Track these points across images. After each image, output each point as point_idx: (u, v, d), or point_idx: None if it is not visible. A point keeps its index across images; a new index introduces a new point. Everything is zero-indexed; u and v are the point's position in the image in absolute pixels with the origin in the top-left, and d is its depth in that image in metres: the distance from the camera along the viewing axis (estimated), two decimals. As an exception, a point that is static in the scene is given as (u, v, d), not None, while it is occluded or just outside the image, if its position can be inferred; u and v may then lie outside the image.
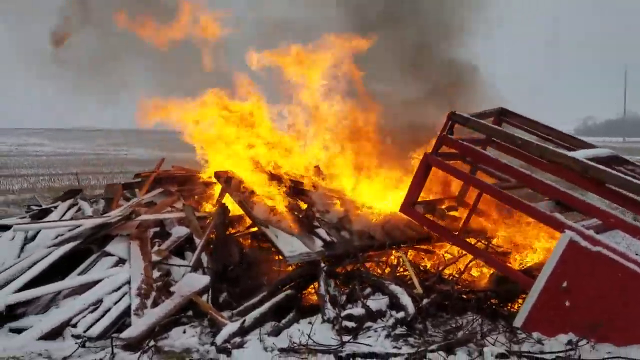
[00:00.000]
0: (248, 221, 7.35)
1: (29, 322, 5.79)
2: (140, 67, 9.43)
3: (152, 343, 5.31)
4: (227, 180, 7.40)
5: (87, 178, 21.98)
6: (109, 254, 6.69)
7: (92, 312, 5.82)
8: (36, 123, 71.55)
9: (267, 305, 5.88)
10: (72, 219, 7.61)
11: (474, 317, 6.05)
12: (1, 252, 7.23)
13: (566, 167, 5.60)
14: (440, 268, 6.84)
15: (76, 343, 5.37)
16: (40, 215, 8.50)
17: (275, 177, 7.54)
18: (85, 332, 5.56)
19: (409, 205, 6.66)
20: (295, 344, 5.32)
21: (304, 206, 7.14)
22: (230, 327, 5.46)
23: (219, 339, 5.34)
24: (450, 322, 6.09)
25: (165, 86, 9.23)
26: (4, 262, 6.87)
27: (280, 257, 6.45)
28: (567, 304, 5.48)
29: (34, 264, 6.34)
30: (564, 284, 5.49)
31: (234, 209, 7.40)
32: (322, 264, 6.28)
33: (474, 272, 7.15)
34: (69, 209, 8.12)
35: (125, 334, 5.36)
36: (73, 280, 6.19)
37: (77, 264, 6.65)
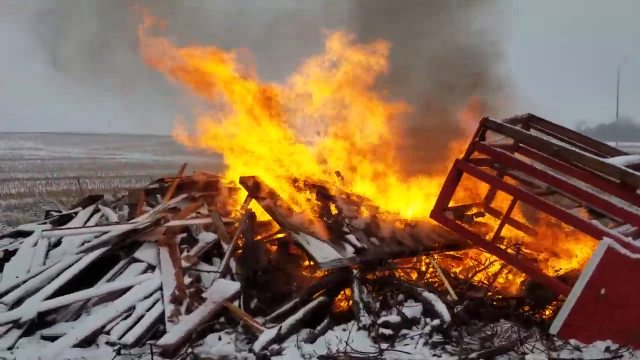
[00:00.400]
0: (275, 227, 7.31)
1: (60, 329, 5.72)
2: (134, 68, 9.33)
3: (189, 350, 5.25)
4: (254, 186, 7.36)
5: (85, 182, 21.89)
6: (137, 260, 6.63)
7: (124, 319, 5.76)
8: (30, 127, 71.67)
9: (301, 312, 5.82)
10: (96, 225, 7.54)
11: (510, 324, 6.04)
12: (25, 258, 7.18)
13: (603, 173, 5.60)
14: (469, 275, 6.82)
15: (114, 350, 5.31)
16: (62, 221, 8.45)
17: (299, 183, 7.51)
18: (119, 339, 5.49)
19: (439, 211, 6.64)
20: (333, 352, 5.28)
21: (333, 212, 7.11)
22: (268, 334, 5.41)
23: (257, 347, 5.28)
24: (484, 329, 6.07)
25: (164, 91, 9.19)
26: (29, 268, 6.84)
27: (311, 263, 6.41)
28: (606, 311, 5.47)
29: (63, 270, 6.27)
30: (602, 291, 5.47)
31: (261, 214, 7.36)
32: (354, 271, 6.25)
33: (500, 279, 7.13)
34: (92, 215, 8.06)
35: (163, 341, 5.30)
36: (104, 287, 6.13)
37: (105, 270, 6.60)
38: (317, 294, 6.28)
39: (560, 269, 6.56)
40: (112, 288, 6.09)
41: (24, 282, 6.32)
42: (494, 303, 6.41)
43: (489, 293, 6.51)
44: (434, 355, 5.33)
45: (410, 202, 8.03)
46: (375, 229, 7.05)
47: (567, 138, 7.02)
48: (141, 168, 26.17)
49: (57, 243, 7.52)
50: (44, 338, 5.65)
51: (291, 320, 5.70)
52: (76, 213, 8.55)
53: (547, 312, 6.41)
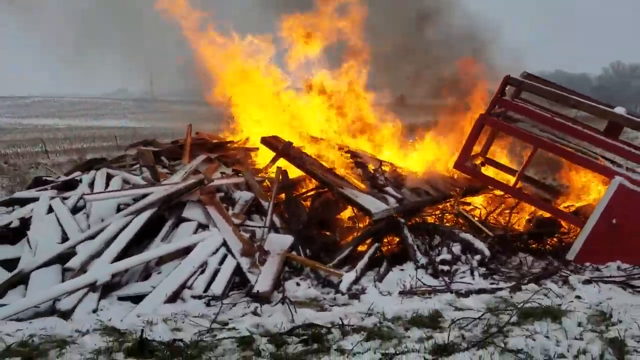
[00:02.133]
0: (308, 184, 7.62)
1: (136, 289, 5.69)
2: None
3: (282, 295, 5.54)
4: (285, 146, 7.57)
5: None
6: (186, 220, 6.65)
7: (200, 274, 5.87)
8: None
9: (366, 257, 6.29)
10: (138, 187, 7.26)
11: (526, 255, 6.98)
12: (49, 224, 6.91)
13: (614, 119, 6.62)
14: (487, 216, 7.66)
15: (204, 302, 5.45)
16: (67, 186, 8.06)
17: (324, 142, 7.85)
18: (205, 292, 5.62)
19: (463, 162, 7.36)
20: (407, 288, 5.85)
21: (370, 168, 7.56)
22: (349, 277, 5.84)
23: (344, 287, 5.70)
24: (509, 260, 6.95)
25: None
26: (63, 234, 6.62)
27: (361, 213, 6.86)
28: (616, 238, 6.54)
29: (118, 233, 6.16)
30: (614, 221, 6.53)
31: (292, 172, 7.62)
32: (401, 219, 6.80)
33: (506, 219, 8.05)
34: (108, 179, 7.74)
35: (259, 288, 5.52)
36: (171, 245, 6.12)
37: (151, 231, 6.55)
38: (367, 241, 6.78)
39: (571, 205, 7.61)
40: (179, 246, 6.10)
41: (70, 247, 6.15)
42: (513, 238, 7.28)
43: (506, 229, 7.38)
44: (492, 283, 6.09)
45: (416, 156, 8.68)
46: (402, 182, 7.62)
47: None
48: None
49: (77, 208, 7.30)
50: (121, 299, 5.61)
51: (361, 264, 6.15)
52: (80, 178, 8.18)
53: (551, 243, 7.41)
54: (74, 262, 5.72)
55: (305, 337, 4.48)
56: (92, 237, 6.21)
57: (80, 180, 8.13)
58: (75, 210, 7.27)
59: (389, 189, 7.17)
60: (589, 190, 7.59)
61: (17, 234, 7.06)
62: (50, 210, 7.33)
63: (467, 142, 7.33)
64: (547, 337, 4.35)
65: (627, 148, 6.88)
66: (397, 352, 4.05)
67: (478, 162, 8.06)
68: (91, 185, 7.87)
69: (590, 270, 6.46)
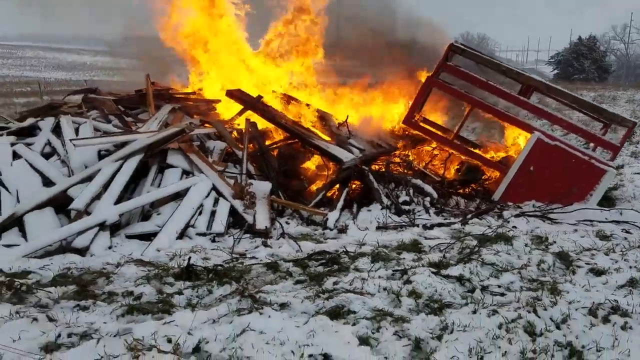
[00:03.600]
0: (274, 136, 8.11)
1: (141, 228, 5.93)
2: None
3: (280, 231, 6.14)
4: (257, 99, 7.94)
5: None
6: (171, 166, 6.88)
7: (199, 215, 6.23)
8: None
9: (342, 199, 7.04)
10: (122, 134, 7.21)
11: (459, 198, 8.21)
12: (23, 169, 6.77)
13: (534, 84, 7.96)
14: (425, 166, 8.75)
15: (209, 239, 5.88)
16: (24, 131, 7.77)
17: (287, 96, 8.35)
18: (208, 230, 6.04)
19: (410, 118, 8.32)
20: (381, 223, 6.73)
21: (335, 122, 8.20)
22: (333, 215, 6.57)
23: (331, 224, 6.43)
24: (447, 202, 8.11)
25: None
26: (43, 179, 6.55)
27: (332, 162, 7.54)
28: (532, 181, 7.94)
29: (112, 177, 6.27)
30: (532, 168, 7.91)
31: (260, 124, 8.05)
32: (365, 167, 7.61)
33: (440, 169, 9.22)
34: (82, 127, 7.57)
35: (260, 226, 6.05)
36: (168, 188, 6.33)
37: (135, 176, 6.70)
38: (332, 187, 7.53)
39: (493, 156, 8.92)
40: (176, 189, 6.36)
41: (62, 190, 6.17)
42: (448, 184, 8.46)
43: (443, 177, 8.54)
44: (445, 219, 7.17)
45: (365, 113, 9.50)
46: (357, 136, 8.41)
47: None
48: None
49: (44, 154, 7.18)
50: (129, 237, 5.84)
51: (339, 205, 6.90)
52: (36, 125, 7.90)
53: (474, 187, 8.71)
54: (78, 203, 5.78)
55: (322, 261, 5.17)
56: (83, 181, 6.24)
57: (39, 127, 7.86)
58: (43, 156, 7.14)
59: (351, 140, 7.93)
60: (512, 144, 8.99)
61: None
62: (15, 156, 7.12)
63: (415, 101, 8.29)
64: (509, 254, 5.46)
65: (541, 107, 8.30)
66: (405, 268, 4.89)
67: (417, 119, 9.07)
68: (54, 131, 7.67)
69: (513, 207, 7.80)
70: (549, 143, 7.81)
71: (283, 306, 4.01)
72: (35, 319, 3.52)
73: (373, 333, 3.62)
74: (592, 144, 9.07)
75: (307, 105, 8.52)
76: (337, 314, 3.88)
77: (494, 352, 3.39)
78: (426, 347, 3.48)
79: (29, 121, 8.03)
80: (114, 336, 3.36)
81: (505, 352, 3.39)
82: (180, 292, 4.31)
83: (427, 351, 3.43)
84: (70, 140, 6.63)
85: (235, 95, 8.15)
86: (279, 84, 9.09)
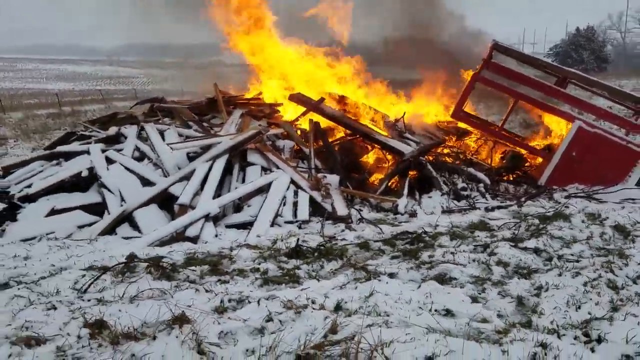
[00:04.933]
0: (335, 133, 8.67)
1: (237, 219, 6.52)
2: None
3: (358, 217, 6.69)
4: (319, 102, 8.51)
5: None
6: (252, 164, 7.47)
7: (283, 205, 6.80)
8: None
9: (406, 187, 7.58)
10: (208, 137, 7.81)
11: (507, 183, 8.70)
12: (121, 172, 7.39)
13: (574, 78, 8.43)
14: (472, 155, 9.26)
15: (297, 225, 6.44)
16: (111, 139, 8.42)
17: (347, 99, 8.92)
18: (294, 218, 6.61)
19: (459, 111, 8.83)
20: (444, 208, 7.25)
21: (391, 118, 8.75)
22: (402, 202, 7.11)
23: (401, 209, 6.97)
24: (496, 188, 8.60)
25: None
26: (142, 180, 7.17)
27: (392, 155, 8.08)
28: (575, 166, 8.41)
29: (206, 175, 6.87)
30: (574, 154, 8.39)
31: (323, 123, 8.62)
32: (422, 158, 8.14)
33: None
34: (164, 133, 8.20)
35: (340, 212, 6.61)
36: (255, 183, 6.90)
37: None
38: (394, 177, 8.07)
39: (537, 144, 9.41)
40: (258, 184, 6.95)
41: (166, 188, 6.77)
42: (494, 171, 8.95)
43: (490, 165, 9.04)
44: (501, 202, 7.68)
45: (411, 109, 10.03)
46: (410, 130, 8.94)
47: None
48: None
49: (138, 157, 7.81)
50: (228, 226, 6.43)
51: (405, 192, 7.44)
52: (119, 133, 8.55)
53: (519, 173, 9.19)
54: (184, 199, 6.38)
55: (407, 240, 5.71)
56: (181, 180, 6.85)
57: (123, 135, 8.50)
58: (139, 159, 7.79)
59: (407, 134, 8.47)
60: (556, 131, 9.47)
61: (86, 182, 7.46)
62: (109, 161, 7.76)
63: (462, 97, 8.80)
64: (571, 229, 5.96)
65: (579, 98, 8.79)
66: (486, 243, 5.42)
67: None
68: (140, 138, 8.31)
69: (560, 190, 8.28)
70: (589, 130, 8.28)
71: (392, 275, 4.56)
72: (197, 290, 4.11)
73: (479, 293, 4.16)
74: (624, 129, 9.50)
75: (363, 104, 9.07)
76: (442, 279, 4.43)
77: (588, 302, 3.90)
78: (528, 302, 4.00)
79: (113, 129, 8.67)
80: (267, 299, 3.92)
81: (597, 302, 3.90)
82: (297, 268, 4.88)
83: (530, 306, 3.95)
84: (168, 144, 7.24)
85: (299, 98, 8.73)
86: (334, 85, 9.65)
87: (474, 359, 2.99)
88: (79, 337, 3.30)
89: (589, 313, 3.71)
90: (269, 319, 3.54)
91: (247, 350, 3.15)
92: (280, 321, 3.52)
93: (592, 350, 3.18)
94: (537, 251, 5.16)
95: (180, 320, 3.41)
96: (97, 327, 3.39)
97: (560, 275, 4.48)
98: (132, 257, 4.67)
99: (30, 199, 7.14)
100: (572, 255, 5.10)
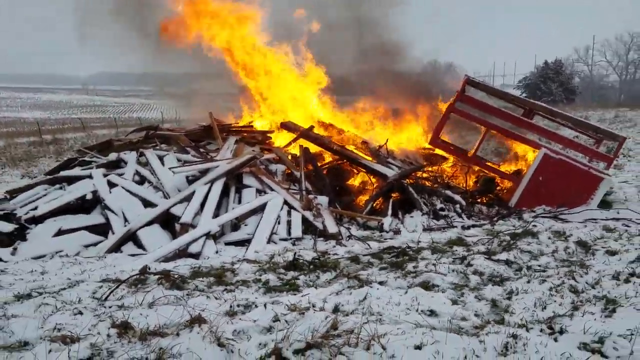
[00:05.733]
0: (323, 158, 9.19)
1: (237, 236, 6.93)
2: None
3: (347, 234, 7.16)
4: (308, 129, 9.05)
5: None
6: (247, 186, 7.91)
7: (277, 224, 7.24)
8: None
9: (390, 207, 8.09)
10: (207, 161, 8.24)
11: (481, 205, 9.29)
12: (122, 194, 7.74)
13: (540, 110, 9.13)
14: (448, 179, 9.86)
15: (290, 242, 6.87)
16: (112, 164, 8.78)
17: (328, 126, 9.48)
18: (289, 235, 7.04)
19: (436, 139, 9.46)
20: (425, 226, 7.77)
21: (375, 145, 9.31)
22: (387, 220, 7.61)
23: (387, 227, 7.47)
24: (470, 210, 9.18)
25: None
26: (143, 202, 7.53)
27: (375, 178, 8.61)
28: (541, 189, 9.06)
29: (206, 196, 7.28)
30: (540, 178, 9.04)
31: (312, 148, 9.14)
32: (404, 181, 8.69)
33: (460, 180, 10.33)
34: (163, 158, 8.60)
35: (331, 230, 7.07)
36: (251, 204, 7.34)
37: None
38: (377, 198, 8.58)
39: (507, 170, 10.05)
40: (254, 205, 7.38)
41: (165, 210, 7.16)
42: (470, 194, 9.56)
43: (465, 189, 9.64)
44: (476, 221, 8.23)
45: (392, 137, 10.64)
46: (392, 156, 9.52)
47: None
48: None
49: (139, 181, 8.18)
50: (227, 244, 6.82)
51: (389, 212, 7.94)
52: (119, 158, 8.92)
53: (490, 196, 9.81)
54: (186, 218, 6.78)
55: (393, 254, 6.19)
56: (182, 201, 7.24)
57: (123, 160, 8.88)
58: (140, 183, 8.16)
59: (390, 160, 9.03)
60: (523, 158, 10.16)
61: (90, 204, 7.79)
62: (111, 184, 8.11)
63: (438, 125, 9.45)
64: (538, 244, 6.52)
65: (545, 128, 9.51)
66: (463, 256, 5.93)
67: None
68: (138, 163, 8.69)
69: (528, 211, 8.89)
70: (554, 157, 8.96)
71: (382, 283, 5.02)
72: (207, 297, 4.51)
73: (459, 297, 4.64)
74: (588, 156, 10.24)
75: (348, 131, 9.65)
76: (426, 286, 4.90)
77: (552, 303, 4.41)
78: (501, 304, 4.49)
79: (114, 155, 9.04)
80: (271, 304, 4.34)
81: (561, 303, 4.41)
82: (296, 278, 5.30)
83: (502, 307, 4.44)
84: (170, 168, 7.64)
85: (289, 126, 9.26)
86: (322, 114, 10.23)
87: (455, 347, 3.45)
88: (108, 335, 3.67)
89: (553, 312, 4.21)
90: (276, 319, 3.95)
91: (259, 344, 3.55)
92: (286, 321, 3.93)
93: (556, 340, 3.66)
94: (508, 263, 5.69)
95: (198, 320, 3.81)
96: (123, 328, 3.77)
97: (528, 282, 4.99)
98: (144, 269, 5.04)
99: (37, 220, 7.45)
100: (539, 266, 5.64)
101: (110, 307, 4.35)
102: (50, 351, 3.45)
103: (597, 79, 70.43)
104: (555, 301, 4.48)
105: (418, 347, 3.43)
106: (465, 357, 3.34)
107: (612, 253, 6.02)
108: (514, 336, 3.59)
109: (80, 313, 4.17)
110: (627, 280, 4.89)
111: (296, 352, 3.15)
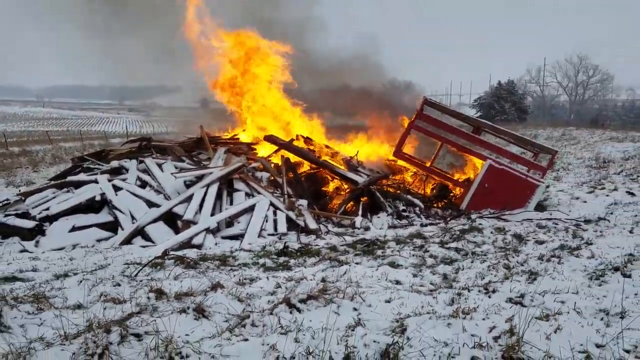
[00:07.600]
0: (302, 167, 10.20)
1: (231, 232, 7.83)
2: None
3: (325, 230, 8.17)
4: (289, 142, 10.06)
5: None
6: (237, 190, 8.83)
7: (265, 221, 8.19)
8: None
9: (360, 209, 9.16)
10: (203, 168, 9.11)
11: (438, 208, 10.49)
12: (128, 196, 8.54)
13: (486, 128, 10.44)
14: (409, 186, 11.03)
15: (276, 237, 7.82)
16: (114, 171, 9.54)
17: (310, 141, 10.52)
18: (275, 231, 7.99)
19: (399, 151, 10.63)
20: (390, 224, 8.86)
21: (349, 155, 10.38)
22: (359, 219, 8.66)
23: (358, 225, 8.52)
24: (428, 212, 10.36)
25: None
26: (147, 203, 8.35)
27: (348, 184, 9.68)
28: (487, 195, 10.33)
29: (204, 197, 8.17)
30: (486, 185, 10.32)
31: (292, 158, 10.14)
32: (371, 187, 9.79)
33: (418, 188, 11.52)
34: (164, 165, 9.42)
35: (312, 227, 8.06)
36: (244, 204, 8.27)
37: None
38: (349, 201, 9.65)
39: (459, 178, 11.30)
40: (245, 205, 8.31)
41: (169, 209, 8.01)
42: (427, 198, 10.74)
43: (423, 194, 10.82)
44: (432, 221, 9.39)
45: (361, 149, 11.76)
46: (361, 166, 10.62)
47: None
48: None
49: (140, 186, 8.98)
50: (224, 238, 7.72)
51: (360, 213, 9.01)
52: (120, 165, 9.69)
53: (445, 201, 11.03)
54: (189, 216, 7.65)
55: (365, 244, 7.24)
56: (182, 202, 8.11)
57: (124, 167, 9.66)
58: (142, 186, 8.95)
59: (360, 168, 10.13)
60: (472, 168, 11.44)
61: (98, 205, 8.54)
62: (115, 188, 8.89)
63: (401, 139, 10.63)
64: (482, 237, 7.70)
65: (491, 143, 10.84)
66: (422, 245, 7.03)
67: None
68: (140, 169, 9.49)
69: (476, 213, 10.12)
70: (497, 167, 10.25)
71: (358, 263, 6.05)
72: (220, 272, 5.43)
73: (418, 272, 5.71)
74: (527, 167, 11.61)
75: (325, 144, 10.71)
76: (392, 265, 5.96)
77: (489, 275, 5.53)
78: (450, 277, 5.58)
79: (115, 163, 9.81)
80: (272, 277, 5.30)
81: (495, 275, 5.54)
82: (287, 262, 6.27)
83: (451, 278, 5.53)
84: (172, 173, 8.50)
85: (272, 139, 10.25)
86: (301, 128, 11.27)
87: (415, 301, 4.50)
88: (148, 298, 4.55)
89: (489, 280, 5.33)
90: (278, 286, 4.92)
91: (269, 301, 4.50)
92: (286, 287, 4.90)
93: (489, 296, 4.76)
94: (457, 249, 6.82)
95: (218, 285, 4.74)
96: (159, 293, 4.66)
97: (472, 262, 6.12)
98: (166, 252, 5.92)
99: (51, 219, 8.16)
100: (481, 251, 6.79)
101: (141, 281, 5.21)
102: (105, 308, 4.31)
103: (549, 99, 71.50)
104: (491, 274, 5.60)
105: (388, 301, 4.46)
106: (423, 307, 4.39)
107: (540, 242, 7.23)
108: (459, 294, 4.67)
109: (119, 284, 5.02)
110: (548, 260, 6.06)
111: (300, 301, 4.13)
